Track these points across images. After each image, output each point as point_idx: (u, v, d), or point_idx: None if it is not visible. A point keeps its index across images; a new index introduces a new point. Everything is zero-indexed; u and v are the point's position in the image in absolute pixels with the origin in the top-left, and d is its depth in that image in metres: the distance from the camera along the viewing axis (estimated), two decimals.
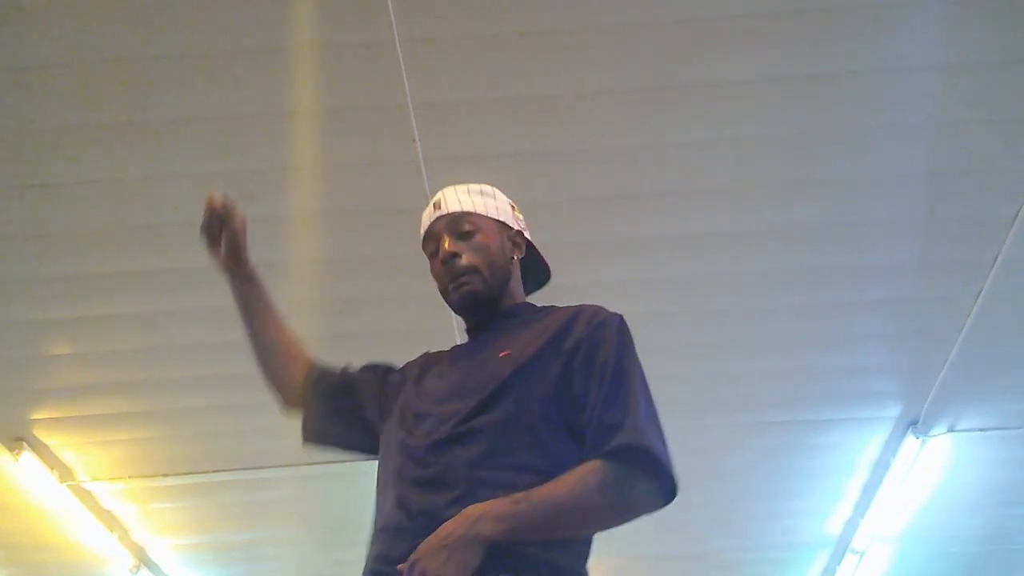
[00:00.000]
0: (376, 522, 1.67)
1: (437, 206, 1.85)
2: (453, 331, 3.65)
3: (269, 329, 2.05)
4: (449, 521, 1.47)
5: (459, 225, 1.82)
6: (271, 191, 3.33)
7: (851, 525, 5.58)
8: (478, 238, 1.80)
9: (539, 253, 1.92)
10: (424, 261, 1.91)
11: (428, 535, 1.47)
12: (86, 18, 2.75)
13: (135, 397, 4.33)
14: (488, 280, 1.78)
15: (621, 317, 1.74)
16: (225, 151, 3.19)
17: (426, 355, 1.93)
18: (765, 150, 3.28)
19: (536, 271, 1.94)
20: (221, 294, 3.72)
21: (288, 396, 2.05)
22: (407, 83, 2.96)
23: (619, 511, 1.56)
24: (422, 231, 1.88)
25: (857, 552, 5.76)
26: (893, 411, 4.61)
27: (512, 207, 1.91)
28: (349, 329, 3.94)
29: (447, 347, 1.94)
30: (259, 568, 6.05)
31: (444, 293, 1.83)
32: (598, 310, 1.74)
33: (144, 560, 5.62)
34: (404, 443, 1.67)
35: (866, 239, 3.64)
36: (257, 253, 3.64)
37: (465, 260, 1.78)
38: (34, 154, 3.15)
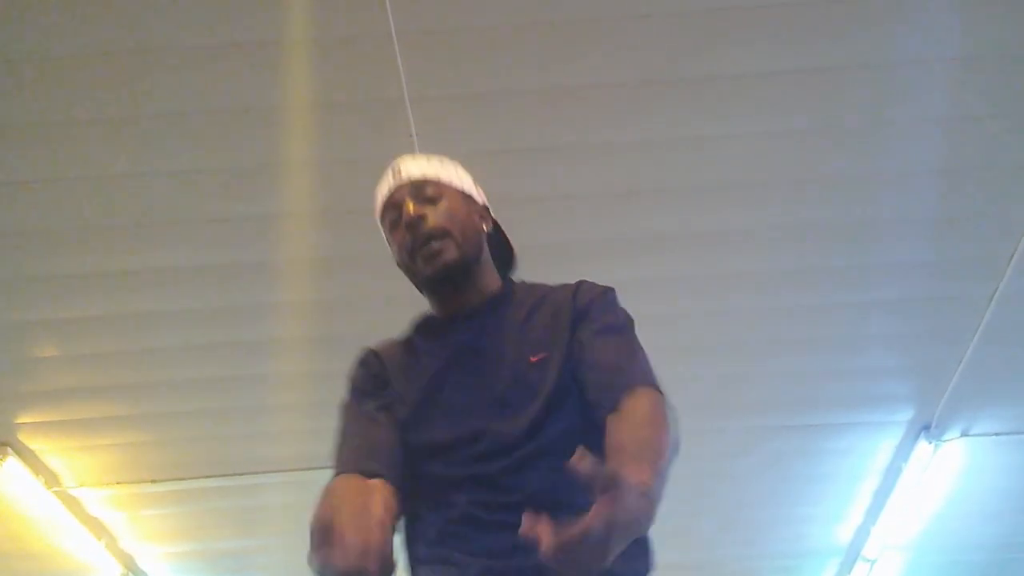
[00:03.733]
0: (448, 555, 1.52)
1: (395, 174, 1.76)
2: None
3: None
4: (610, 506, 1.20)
5: (423, 191, 1.72)
6: (263, 188, 3.32)
7: (862, 532, 5.58)
8: (444, 203, 1.71)
9: (504, 233, 1.84)
10: None
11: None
12: (72, 11, 2.75)
13: (123, 400, 4.32)
14: (461, 245, 1.68)
15: (614, 290, 1.72)
16: (216, 147, 3.18)
17: (391, 348, 1.74)
18: (774, 146, 3.28)
19: (502, 254, 1.84)
20: (212, 294, 3.75)
21: None
22: (404, 77, 2.96)
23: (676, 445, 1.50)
24: (379, 203, 1.77)
25: (868, 560, 5.76)
26: (905, 415, 4.60)
27: (474, 182, 1.83)
28: (344, 330, 3.93)
29: None
30: None
31: (409, 266, 1.71)
32: (593, 284, 1.71)
33: (132, 568, 5.61)
34: (465, 474, 1.54)
35: (878, 237, 3.64)
36: (250, 253, 3.67)
37: (432, 221, 1.68)
38: (18, 150, 3.15)
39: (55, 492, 4.79)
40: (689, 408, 4.68)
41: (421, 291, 1.79)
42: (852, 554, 5.80)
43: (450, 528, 1.54)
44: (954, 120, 3.18)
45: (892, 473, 4.99)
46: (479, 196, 1.81)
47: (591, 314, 1.66)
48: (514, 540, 1.29)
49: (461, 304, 1.71)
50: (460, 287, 1.71)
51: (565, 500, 1.34)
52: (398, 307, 1.93)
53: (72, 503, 4.93)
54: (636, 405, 1.48)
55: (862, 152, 3.30)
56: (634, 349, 1.64)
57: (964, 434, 4.67)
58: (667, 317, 3.92)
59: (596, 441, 1.44)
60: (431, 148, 3.16)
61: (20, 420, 4.35)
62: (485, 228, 1.77)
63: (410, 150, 3.16)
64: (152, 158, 3.21)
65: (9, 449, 4.45)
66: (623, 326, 1.68)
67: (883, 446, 4.83)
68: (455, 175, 1.78)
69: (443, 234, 1.67)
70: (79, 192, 3.29)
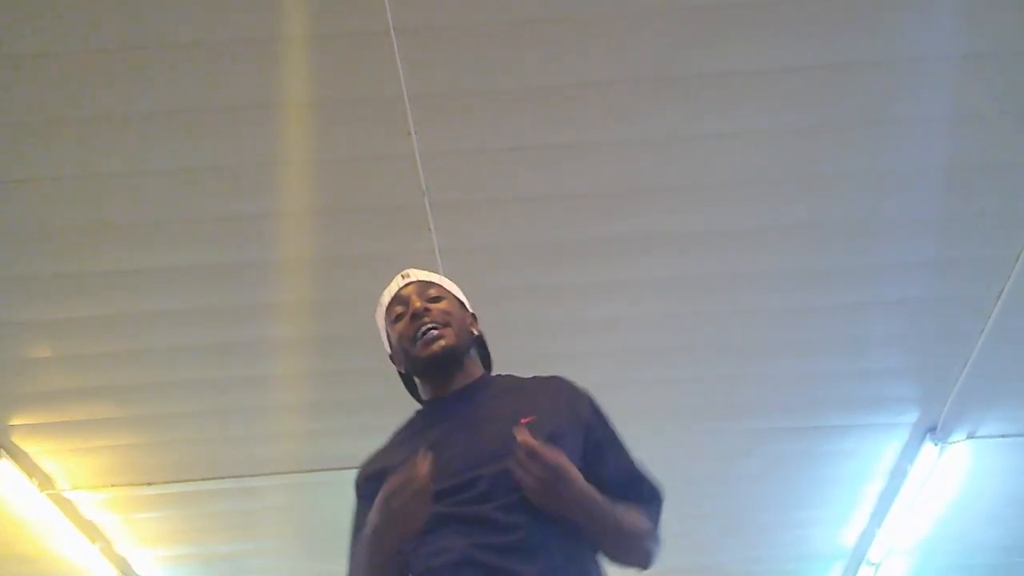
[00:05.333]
0: None
1: (404, 276, 2.06)
2: None
3: None
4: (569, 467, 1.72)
5: (427, 290, 2.01)
6: (260, 187, 3.32)
7: (866, 536, 5.58)
8: (445, 304, 1.99)
9: (485, 341, 2.08)
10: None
11: None
12: (65, 6, 2.75)
13: (118, 402, 4.32)
14: (457, 335, 1.94)
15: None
16: (212, 145, 3.18)
17: (390, 443, 1.96)
18: (777, 143, 3.28)
19: (484, 357, 2.08)
20: (208, 294, 3.76)
21: None
22: (402, 74, 2.96)
23: (640, 557, 1.88)
24: (387, 299, 2.04)
25: (873, 564, 5.76)
26: (910, 417, 4.60)
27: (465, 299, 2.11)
28: (342, 331, 3.93)
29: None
30: None
31: (407, 351, 1.94)
32: (579, 387, 1.97)
33: (127, 572, 5.60)
34: (461, 513, 1.75)
35: (883, 236, 3.64)
36: (247, 252, 3.68)
37: (435, 315, 1.94)
38: (11, 148, 3.15)
39: (49, 495, 4.79)
40: (690, 410, 4.71)
41: (410, 381, 2.04)
42: (856, 558, 5.80)
43: (446, 569, 1.72)
44: (960, 118, 3.18)
45: (897, 476, 4.99)
46: (469, 307, 2.08)
47: (595, 417, 1.92)
48: None
49: (450, 386, 1.95)
50: (450, 372, 1.95)
51: (556, 545, 1.73)
52: None
53: (66, 506, 4.93)
54: (640, 515, 1.85)
55: (867, 150, 3.30)
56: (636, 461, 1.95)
57: (970, 436, 4.67)
58: (669, 317, 3.92)
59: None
60: (430, 145, 3.19)
61: (14, 422, 4.35)
62: (475, 332, 2.04)
63: (409, 147, 3.18)
64: (147, 156, 3.21)
65: (2, 451, 4.44)
66: (621, 440, 1.96)
67: (888, 448, 4.83)
68: (453, 286, 2.08)
69: (443, 324, 1.94)
70: (73, 191, 3.29)
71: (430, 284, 2.03)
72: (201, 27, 2.83)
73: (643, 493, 1.89)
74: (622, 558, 1.86)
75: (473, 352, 2.01)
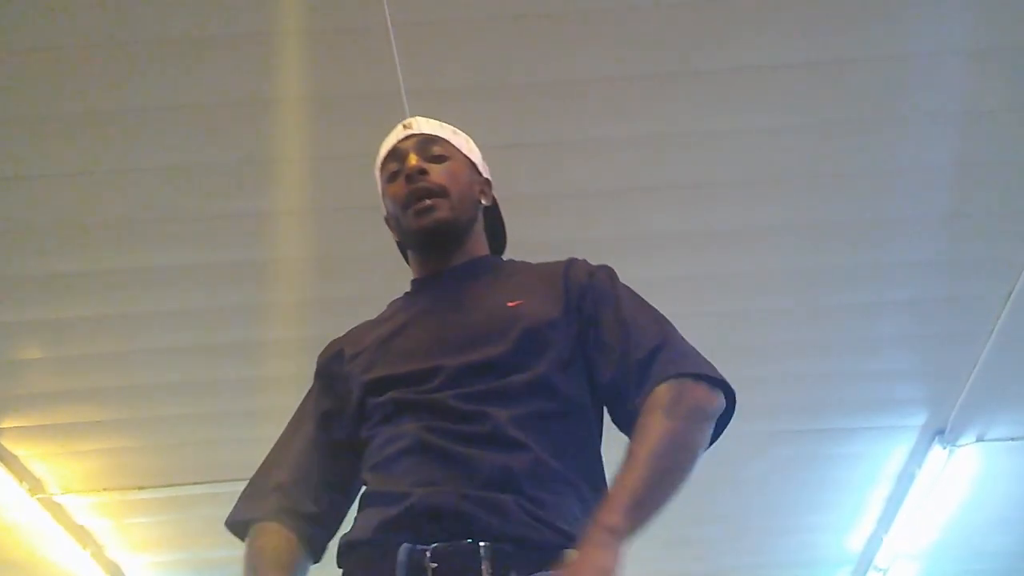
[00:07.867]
0: (392, 483, 1.49)
1: (406, 126, 1.77)
2: None
3: None
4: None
5: (430, 147, 1.72)
6: (255, 185, 3.32)
7: (874, 541, 5.58)
8: (449, 165, 1.71)
9: (500, 212, 1.83)
10: None
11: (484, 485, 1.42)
12: (58, 2, 2.75)
13: (110, 404, 4.32)
14: (456, 208, 1.67)
15: (611, 268, 1.72)
16: (207, 142, 3.19)
17: (368, 323, 1.79)
18: (782, 141, 3.28)
19: (494, 234, 1.83)
20: (202, 294, 3.76)
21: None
22: (400, 70, 2.96)
23: (694, 461, 1.57)
24: (384, 152, 1.76)
25: (880, 569, 5.76)
26: (918, 419, 4.61)
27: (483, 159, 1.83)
28: (338, 332, 3.92)
29: None
30: None
31: (399, 218, 1.69)
32: (587, 262, 1.71)
33: None
34: (418, 400, 1.52)
35: (890, 236, 3.64)
36: (242, 251, 3.68)
37: (434, 178, 1.66)
38: (2, 146, 3.15)
39: (39, 499, 4.79)
40: None
41: (405, 251, 1.81)
42: (864, 563, 5.81)
43: (395, 456, 1.51)
44: (969, 114, 3.18)
45: (905, 479, 4.99)
46: (484, 170, 1.80)
47: (591, 283, 1.65)
48: (461, 470, 1.42)
49: (444, 264, 1.70)
50: (446, 248, 1.70)
51: (520, 440, 1.46)
52: None
53: (57, 510, 4.93)
54: (652, 442, 1.49)
55: (873, 148, 3.31)
56: (658, 317, 1.68)
57: (979, 439, 4.67)
58: (671, 318, 3.92)
59: (573, 423, 1.54)
60: None
61: (3, 424, 4.35)
62: (483, 201, 1.76)
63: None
64: (141, 153, 3.21)
65: None
66: (636, 294, 1.69)
67: (895, 451, 4.83)
68: (464, 142, 1.79)
69: (441, 192, 1.66)
70: (65, 188, 3.29)
71: (435, 140, 1.73)
72: (195, 22, 2.84)
73: (651, 371, 1.59)
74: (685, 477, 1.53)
75: (477, 227, 1.74)
